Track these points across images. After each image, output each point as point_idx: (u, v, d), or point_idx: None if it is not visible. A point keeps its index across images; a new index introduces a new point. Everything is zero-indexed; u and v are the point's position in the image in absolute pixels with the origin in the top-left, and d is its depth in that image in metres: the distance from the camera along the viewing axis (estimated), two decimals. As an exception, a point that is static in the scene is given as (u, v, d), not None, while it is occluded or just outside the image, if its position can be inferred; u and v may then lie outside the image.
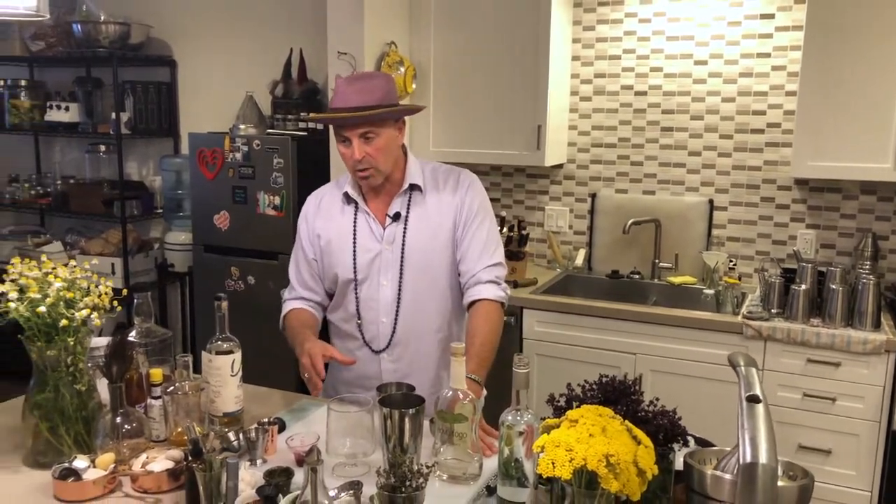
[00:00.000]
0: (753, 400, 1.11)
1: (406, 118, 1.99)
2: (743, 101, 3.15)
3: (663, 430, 1.25)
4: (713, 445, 1.40)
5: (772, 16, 3.06)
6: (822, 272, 2.76)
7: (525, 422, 1.32)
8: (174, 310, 4.37)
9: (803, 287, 2.70)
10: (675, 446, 1.29)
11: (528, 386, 1.33)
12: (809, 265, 2.75)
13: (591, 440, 1.10)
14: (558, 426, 1.17)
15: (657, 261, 3.31)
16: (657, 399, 1.33)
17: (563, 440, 1.11)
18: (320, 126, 3.56)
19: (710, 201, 3.26)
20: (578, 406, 1.23)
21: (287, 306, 2.05)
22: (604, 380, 1.31)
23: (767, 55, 3.08)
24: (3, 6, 1.45)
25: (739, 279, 3.07)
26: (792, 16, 3.02)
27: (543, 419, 1.26)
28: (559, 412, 1.28)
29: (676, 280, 3.23)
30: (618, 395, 1.28)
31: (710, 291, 3.03)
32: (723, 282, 2.99)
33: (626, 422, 1.17)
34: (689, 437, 1.39)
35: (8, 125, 4.34)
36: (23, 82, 4.37)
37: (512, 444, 1.34)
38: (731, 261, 3.15)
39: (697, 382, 2.78)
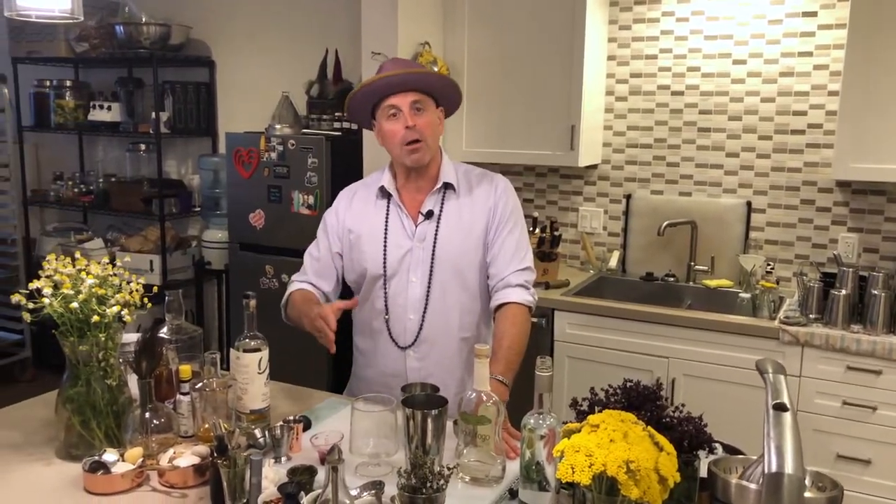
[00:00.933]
0: (780, 408, 1.08)
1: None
2: (783, 101, 3.08)
3: (688, 436, 1.23)
4: (742, 453, 1.37)
5: (814, 13, 2.98)
6: (863, 277, 2.68)
7: (547, 425, 1.31)
8: (211, 306, 4.44)
9: (843, 292, 2.63)
10: (701, 453, 1.26)
11: (550, 389, 1.32)
12: (850, 269, 2.67)
13: (612, 446, 1.08)
14: (579, 431, 1.16)
15: (693, 263, 3.26)
16: (683, 405, 1.31)
17: (583, 445, 1.09)
18: (354, 126, 3.58)
19: (748, 203, 3.20)
20: (601, 411, 1.21)
21: (293, 286, 2.05)
22: (628, 384, 1.29)
23: (809, 54, 3.01)
24: (39, 9, 1.49)
25: (777, 283, 3.01)
26: (835, 13, 2.94)
27: (566, 423, 1.25)
28: (582, 416, 1.26)
29: (712, 283, 3.17)
30: (642, 401, 1.26)
31: (747, 295, 2.96)
32: (759, 286, 2.93)
33: (649, 428, 1.15)
34: (717, 445, 1.36)
35: (53, 125, 4.46)
36: (68, 83, 4.49)
37: (533, 448, 1.33)
38: (768, 264, 3.08)
39: (731, 388, 2.72)
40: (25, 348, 4.61)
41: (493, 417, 1.49)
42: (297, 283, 2.06)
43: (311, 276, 2.06)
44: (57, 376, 1.63)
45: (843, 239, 3.04)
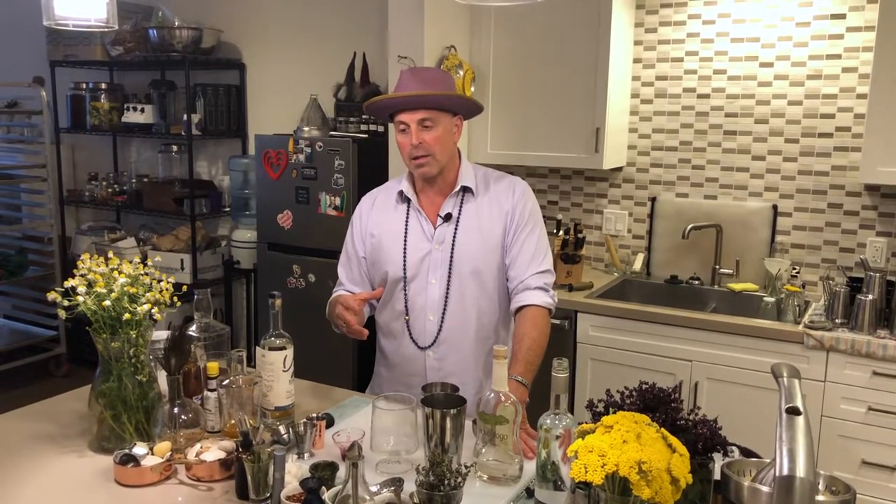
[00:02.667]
0: (793, 412, 1.09)
1: (464, 122, 2.02)
2: (810, 104, 3.06)
3: (703, 439, 1.24)
4: (758, 457, 1.37)
5: (843, 16, 2.96)
6: (891, 282, 2.66)
7: (563, 426, 1.33)
8: (239, 305, 4.52)
9: (870, 297, 2.60)
10: (717, 456, 1.28)
11: (566, 390, 1.34)
12: (878, 274, 2.65)
13: (625, 446, 1.10)
14: (593, 431, 1.18)
15: (717, 267, 3.25)
16: (698, 408, 1.32)
17: (596, 445, 1.11)
18: (381, 128, 3.63)
19: (774, 207, 3.18)
20: (616, 412, 1.23)
21: (333, 296, 2.10)
22: (643, 386, 1.31)
23: (838, 56, 2.99)
24: (76, 18, 1.55)
25: (803, 287, 2.99)
26: (864, 16, 2.92)
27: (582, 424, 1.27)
28: (597, 418, 1.28)
29: (737, 287, 3.16)
30: (657, 403, 1.27)
31: (771, 299, 2.95)
32: (784, 289, 2.91)
33: (662, 429, 1.16)
34: (733, 448, 1.38)
35: (89, 126, 4.57)
36: (103, 85, 4.59)
37: (549, 448, 1.35)
38: (794, 268, 3.06)
39: (755, 392, 2.71)
40: (60, 344, 4.73)
41: (511, 417, 1.51)
42: (335, 293, 2.11)
43: (347, 284, 2.11)
44: (90, 372, 1.70)
45: (871, 243, 3.01)
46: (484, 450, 1.54)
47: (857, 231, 3.04)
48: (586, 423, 1.25)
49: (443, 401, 1.52)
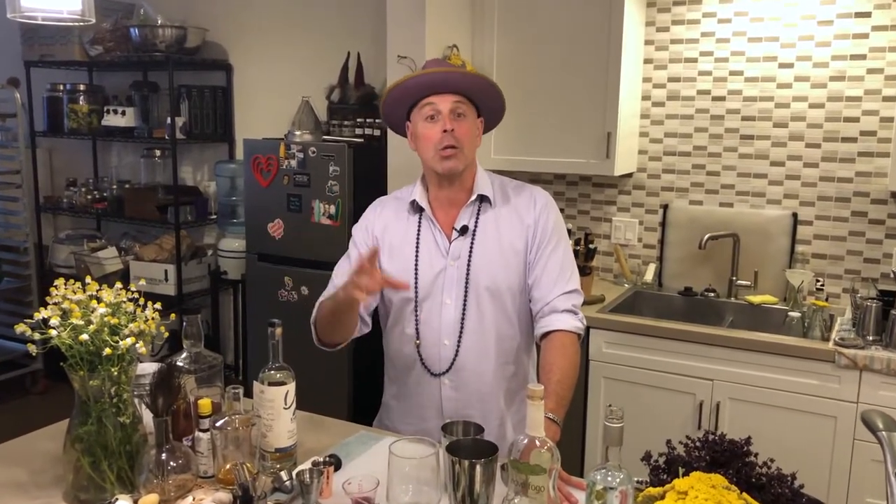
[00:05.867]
0: (905, 477, 0.92)
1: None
2: (833, 106, 2.91)
3: (784, 500, 1.07)
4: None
5: (868, 14, 2.81)
6: (924, 296, 2.51)
7: (618, 485, 1.15)
8: (227, 317, 4.31)
9: (904, 312, 2.45)
10: (795, 518, 1.10)
11: (621, 443, 1.15)
12: (910, 288, 2.50)
13: (707, 520, 0.92)
14: (662, 496, 1.00)
15: (734, 278, 3.08)
16: (771, 461, 1.15)
17: (671, 518, 0.94)
18: (378, 132, 3.44)
19: (794, 215, 3.02)
20: (685, 470, 1.05)
21: (320, 301, 1.86)
22: (710, 437, 1.13)
23: (863, 57, 2.83)
24: (45, 10, 1.35)
25: (827, 300, 2.83)
26: (891, 14, 2.77)
27: (639, 482, 1.09)
28: (657, 474, 1.10)
29: (755, 300, 3.00)
30: (728, 457, 1.10)
31: (797, 314, 2.79)
32: (808, 303, 2.76)
33: (745, 495, 0.99)
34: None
35: (66, 130, 4.34)
36: (81, 87, 4.37)
37: (604, 500, 1.17)
38: (818, 280, 2.91)
39: (782, 413, 2.55)
40: (37, 360, 4.49)
41: (548, 465, 1.33)
42: (322, 298, 1.86)
43: None
44: (69, 388, 1.48)
45: (897, 254, 2.87)
46: (516, 501, 1.35)
47: (882, 241, 2.89)
48: (645, 482, 1.07)
49: (471, 447, 1.33)
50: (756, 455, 1.13)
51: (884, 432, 0.98)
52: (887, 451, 0.96)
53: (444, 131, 1.72)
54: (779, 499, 1.06)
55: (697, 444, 1.13)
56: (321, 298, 1.86)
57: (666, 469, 1.11)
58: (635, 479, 1.15)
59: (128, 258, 4.17)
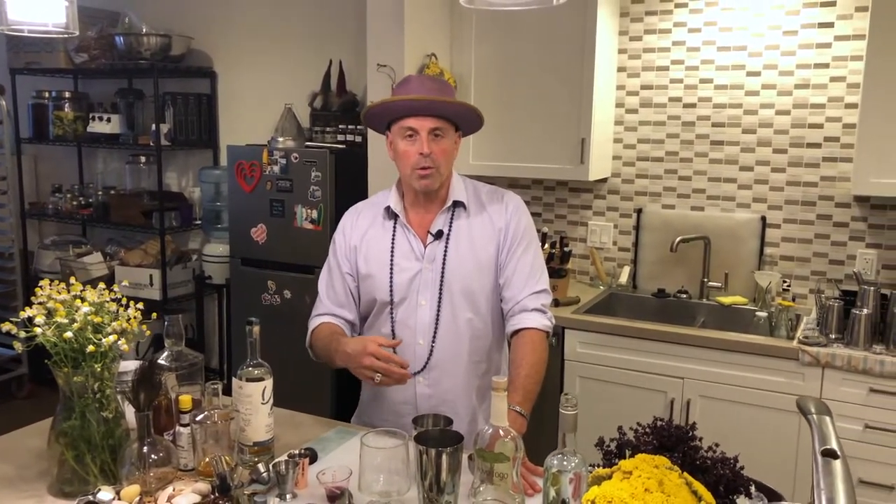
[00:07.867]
0: (830, 455, 1.00)
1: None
2: (798, 113, 3.01)
3: (724, 480, 1.15)
4: (778, 495, 1.28)
5: (831, 24, 2.91)
6: (884, 295, 2.60)
7: (573, 468, 1.22)
8: (211, 322, 4.36)
9: (865, 311, 2.54)
10: (737, 499, 1.18)
11: (575, 429, 1.23)
12: (872, 288, 2.59)
13: (648, 496, 1.00)
14: (610, 476, 1.07)
15: (706, 280, 3.17)
16: (717, 445, 1.22)
17: (615, 495, 1.01)
18: (359, 138, 3.51)
19: (763, 218, 3.12)
20: (632, 453, 1.13)
21: (315, 322, 1.95)
22: (658, 423, 1.21)
23: (826, 65, 2.94)
24: (31, 23, 1.41)
25: (793, 300, 2.92)
26: (853, 24, 2.87)
27: (592, 466, 1.17)
28: (609, 458, 1.18)
29: (726, 300, 3.09)
30: (674, 442, 1.17)
31: (763, 314, 2.88)
32: (775, 303, 2.85)
33: (685, 474, 1.06)
34: (753, 485, 1.28)
35: (52, 136, 4.38)
36: (67, 94, 4.41)
37: (559, 485, 1.24)
38: (785, 281, 3.00)
39: (750, 409, 2.64)
40: (22, 364, 4.53)
41: (511, 454, 1.40)
42: (317, 319, 1.95)
43: (331, 307, 1.95)
44: (54, 392, 1.54)
45: (861, 255, 2.96)
46: (482, 488, 1.42)
47: (846, 243, 2.99)
48: (598, 466, 1.14)
49: (438, 437, 1.40)
50: (701, 439, 1.20)
51: (814, 415, 1.06)
52: (815, 432, 1.04)
53: (421, 153, 1.79)
54: (720, 479, 1.14)
55: (647, 429, 1.21)
56: (314, 324, 1.94)
57: (617, 453, 1.18)
58: (590, 463, 1.22)
59: (113, 263, 4.21)
